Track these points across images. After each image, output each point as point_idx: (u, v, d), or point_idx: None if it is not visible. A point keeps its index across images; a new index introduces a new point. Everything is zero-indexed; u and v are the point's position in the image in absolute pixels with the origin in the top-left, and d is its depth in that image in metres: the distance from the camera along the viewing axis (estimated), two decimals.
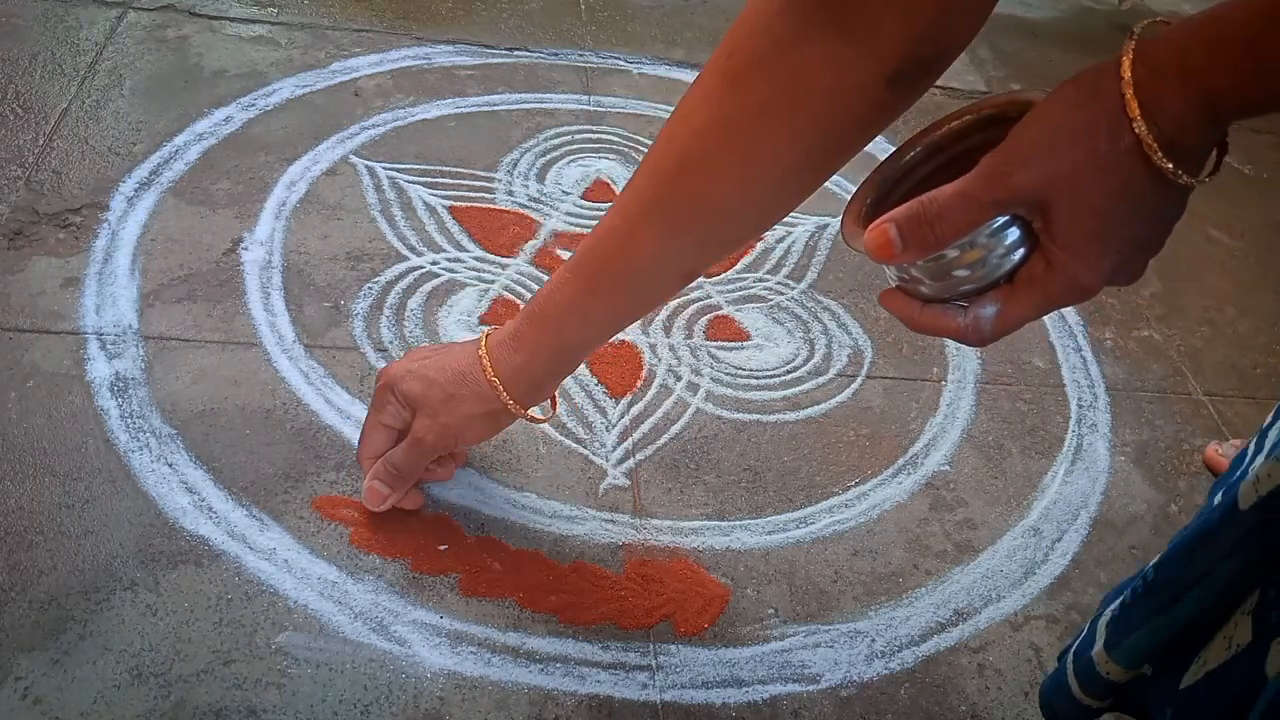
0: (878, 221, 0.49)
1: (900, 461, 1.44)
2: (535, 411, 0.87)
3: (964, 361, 1.64)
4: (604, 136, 1.93)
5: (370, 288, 1.52)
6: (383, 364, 1.41)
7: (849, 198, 0.59)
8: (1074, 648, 0.75)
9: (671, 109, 0.81)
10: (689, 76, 2.10)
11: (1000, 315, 0.50)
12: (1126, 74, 0.44)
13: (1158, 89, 0.43)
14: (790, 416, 1.47)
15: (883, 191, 0.57)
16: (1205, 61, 0.42)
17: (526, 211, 1.72)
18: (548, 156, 1.84)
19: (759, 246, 1.75)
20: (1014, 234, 0.48)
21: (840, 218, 0.58)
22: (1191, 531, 0.63)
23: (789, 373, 1.54)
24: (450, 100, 1.92)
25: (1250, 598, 0.59)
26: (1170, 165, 0.44)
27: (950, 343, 1.72)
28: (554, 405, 0.77)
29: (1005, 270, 0.49)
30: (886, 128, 0.70)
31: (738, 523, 1.31)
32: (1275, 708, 0.52)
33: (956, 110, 0.56)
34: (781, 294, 1.68)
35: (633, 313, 0.84)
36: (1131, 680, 0.70)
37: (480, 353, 0.67)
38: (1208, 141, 0.45)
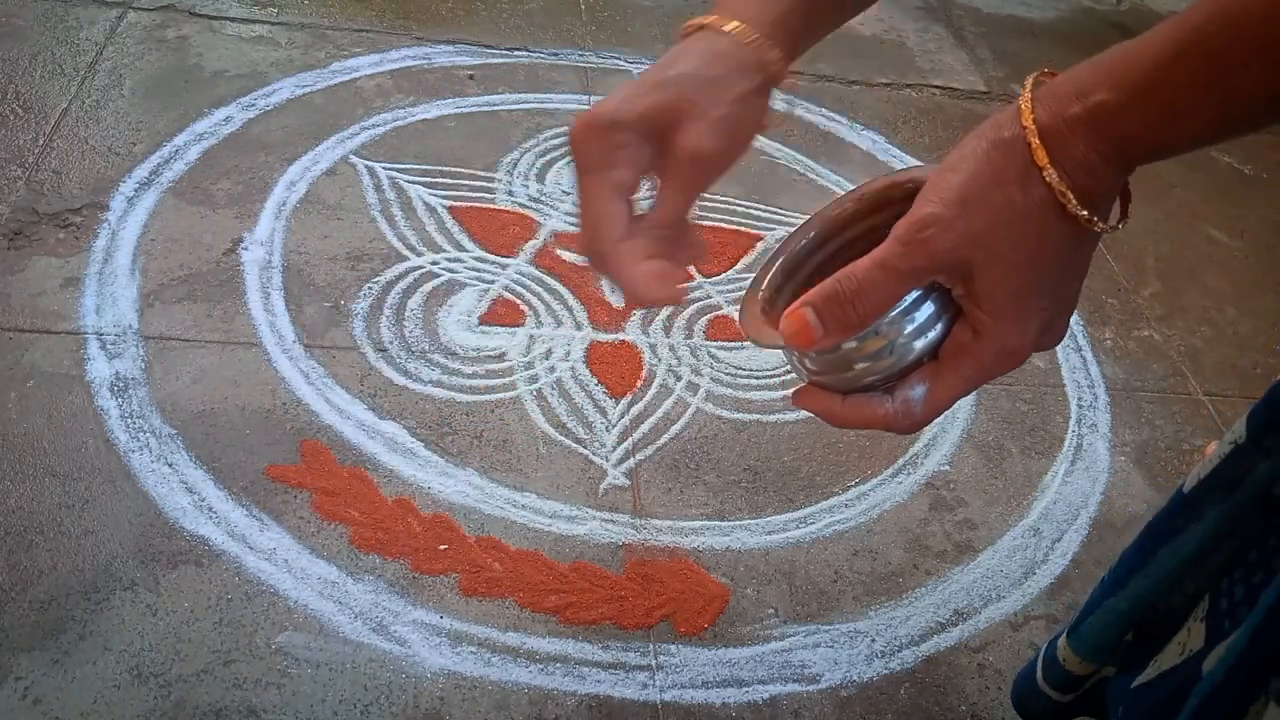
0: (793, 306, 0.46)
1: (900, 461, 1.44)
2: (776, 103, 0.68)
3: None
4: None
5: (370, 288, 1.52)
6: (383, 364, 1.42)
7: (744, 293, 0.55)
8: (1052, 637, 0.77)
9: None
10: None
11: (931, 394, 0.47)
12: (1028, 122, 0.42)
13: (1062, 134, 0.42)
14: (790, 416, 1.47)
15: (777, 284, 0.53)
16: (1112, 100, 0.41)
17: (526, 211, 1.72)
18: (548, 156, 1.84)
19: (758, 247, 1.75)
20: (926, 311, 0.46)
21: (738, 315, 0.54)
22: None
23: (789, 372, 1.54)
24: (450, 100, 1.92)
25: (1201, 604, 0.60)
26: (1085, 213, 0.42)
27: None
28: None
29: (919, 352, 0.47)
30: None
31: (738, 523, 1.31)
32: (1208, 700, 0.53)
33: (838, 198, 0.54)
34: None
35: None
36: (1093, 682, 0.71)
37: (721, 22, 0.55)
38: (1115, 186, 0.44)
